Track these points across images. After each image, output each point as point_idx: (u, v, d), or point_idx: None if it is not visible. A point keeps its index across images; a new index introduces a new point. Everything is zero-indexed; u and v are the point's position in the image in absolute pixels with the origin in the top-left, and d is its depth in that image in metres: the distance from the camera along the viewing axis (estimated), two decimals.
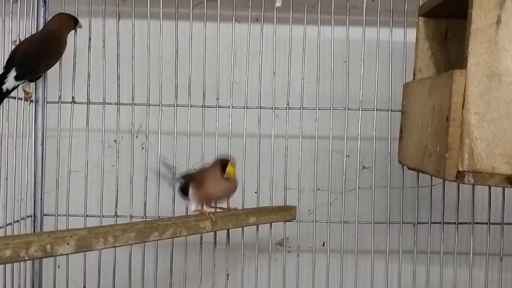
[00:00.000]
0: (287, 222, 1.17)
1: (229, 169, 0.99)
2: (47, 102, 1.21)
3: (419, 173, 1.14)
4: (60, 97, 1.19)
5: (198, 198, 1.03)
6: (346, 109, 1.18)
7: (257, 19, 1.20)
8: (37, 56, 1.06)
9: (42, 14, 1.20)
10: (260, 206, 1.16)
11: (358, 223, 1.18)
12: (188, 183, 1.04)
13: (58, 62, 1.16)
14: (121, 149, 1.26)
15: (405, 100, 1.07)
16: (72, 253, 0.87)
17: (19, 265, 1.12)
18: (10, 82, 1.04)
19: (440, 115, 0.84)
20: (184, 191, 1.05)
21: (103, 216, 1.19)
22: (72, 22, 1.14)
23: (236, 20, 1.19)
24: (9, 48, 1.09)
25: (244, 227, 1.13)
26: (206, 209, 1.04)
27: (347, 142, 1.18)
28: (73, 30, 1.16)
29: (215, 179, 1.00)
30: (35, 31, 1.18)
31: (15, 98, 1.11)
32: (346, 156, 1.19)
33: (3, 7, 1.08)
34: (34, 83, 1.20)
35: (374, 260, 1.19)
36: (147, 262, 1.20)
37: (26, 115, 1.16)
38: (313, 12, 1.18)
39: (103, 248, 0.91)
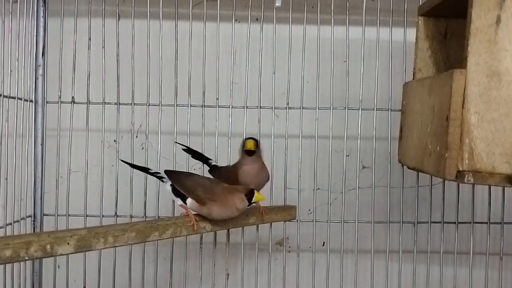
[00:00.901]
0: (287, 222, 1.17)
1: (257, 196, 1.00)
2: (47, 102, 1.21)
3: (419, 173, 1.14)
4: (60, 97, 1.19)
5: (200, 213, 1.01)
6: (346, 109, 1.18)
7: (257, 19, 1.20)
8: None
9: (41, 14, 1.20)
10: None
11: (358, 222, 1.18)
12: (181, 190, 1.01)
13: (59, 61, 1.17)
14: (121, 149, 1.26)
15: (405, 100, 1.07)
16: (72, 253, 0.87)
17: (19, 265, 1.12)
18: None
19: (440, 114, 0.84)
20: (175, 192, 1.03)
21: (103, 216, 1.19)
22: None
23: (235, 20, 1.19)
24: (9, 48, 1.09)
25: (244, 227, 1.13)
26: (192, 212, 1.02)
27: (347, 141, 1.18)
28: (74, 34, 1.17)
29: (234, 208, 0.99)
30: (35, 31, 1.19)
31: (14, 98, 1.11)
32: (346, 155, 1.19)
33: (2, 7, 1.08)
34: (34, 83, 1.20)
35: (374, 259, 1.19)
36: (147, 262, 1.20)
37: (26, 115, 1.16)
38: (313, 11, 1.18)
39: (103, 248, 0.91)
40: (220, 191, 0.99)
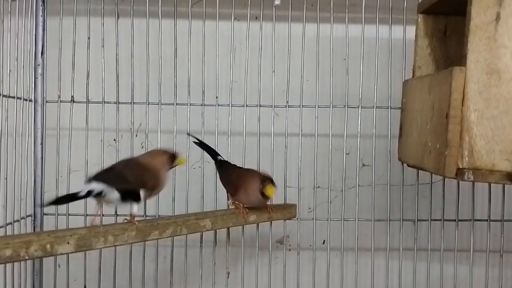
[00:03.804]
0: (287, 220, 1.17)
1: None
2: (46, 101, 1.21)
3: (419, 171, 1.14)
4: (59, 96, 1.19)
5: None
6: (346, 107, 1.18)
7: (256, 17, 1.20)
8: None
9: (40, 13, 1.20)
10: None
11: (358, 220, 1.18)
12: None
13: (58, 60, 1.17)
14: (121, 148, 1.26)
15: (405, 98, 1.07)
16: (72, 252, 0.87)
17: (19, 265, 1.12)
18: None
19: (440, 112, 0.84)
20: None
21: (103, 215, 1.19)
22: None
23: (235, 18, 1.19)
24: (8, 47, 1.09)
25: (244, 225, 1.13)
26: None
27: (347, 139, 1.18)
28: None
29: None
30: (34, 31, 1.18)
31: (14, 97, 1.11)
32: (346, 153, 1.18)
33: (1, 7, 1.08)
34: (33, 82, 1.20)
35: (374, 257, 1.19)
36: (148, 261, 1.20)
37: (26, 115, 1.16)
38: (312, 9, 1.17)
39: (103, 247, 0.91)
40: (147, 162, 0.94)
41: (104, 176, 0.89)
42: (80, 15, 1.20)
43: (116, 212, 1.19)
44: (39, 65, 1.20)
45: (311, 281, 1.20)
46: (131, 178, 0.89)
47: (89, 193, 0.84)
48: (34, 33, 1.19)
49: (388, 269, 1.20)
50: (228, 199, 1.12)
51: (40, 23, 1.20)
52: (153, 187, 0.93)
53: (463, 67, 0.80)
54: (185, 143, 1.17)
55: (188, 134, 1.15)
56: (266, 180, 1.01)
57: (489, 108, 0.80)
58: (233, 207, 1.09)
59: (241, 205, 1.07)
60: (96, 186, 0.85)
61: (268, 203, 1.11)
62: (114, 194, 0.87)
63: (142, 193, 0.90)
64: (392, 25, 1.17)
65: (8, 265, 1.06)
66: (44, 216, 1.22)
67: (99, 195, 0.85)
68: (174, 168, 1.00)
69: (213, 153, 1.13)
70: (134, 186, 0.90)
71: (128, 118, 1.20)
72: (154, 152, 0.99)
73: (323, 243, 1.29)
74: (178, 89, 1.18)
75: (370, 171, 1.20)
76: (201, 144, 1.14)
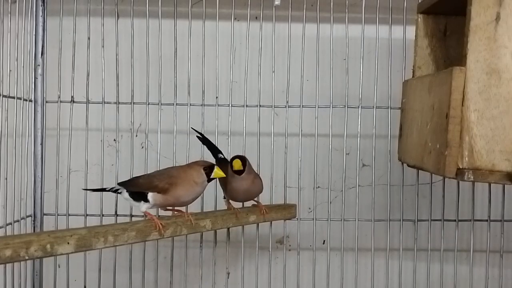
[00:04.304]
0: (287, 220, 1.17)
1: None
2: (46, 102, 1.21)
3: (419, 171, 1.14)
4: (59, 97, 1.19)
5: (169, 204, 1.00)
6: (346, 107, 1.18)
7: (256, 17, 1.20)
8: None
9: (40, 14, 1.20)
10: None
11: (358, 220, 1.18)
12: (138, 188, 0.98)
13: (58, 61, 1.17)
14: (121, 148, 1.26)
15: (405, 98, 1.07)
16: (72, 252, 0.87)
17: (19, 265, 1.12)
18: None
19: (440, 112, 0.84)
20: (134, 196, 0.99)
21: (103, 215, 1.19)
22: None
23: (235, 19, 1.19)
24: (8, 48, 1.09)
25: (244, 226, 1.13)
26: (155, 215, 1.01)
27: (347, 139, 1.18)
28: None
29: (192, 182, 0.98)
30: (34, 31, 1.18)
31: (14, 97, 1.11)
32: (346, 154, 1.18)
33: (1, 7, 1.08)
34: (33, 83, 1.20)
35: (374, 257, 1.19)
36: (148, 261, 1.20)
37: (26, 115, 1.16)
38: (312, 10, 1.17)
39: (103, 248, 0.91)
40: (177, 171, 0.98)
41: (129, 179, 1.03)
42: (80, 15, 1.20)
43: (116, 212, 1.19)
44: (39, 65, 1.20)
45: (311, 281, 1.19)
46: (142, 180, 0.99)
47: (111, 189, 1.03)
48: (34, 33, 1.19)
49: (388, 269, 1.20)
50: (224, 198, 1.11)
51: (40, 23, 1.20)
52: (165, 191, 0.96)
53: (463, 67, 0.80)
54: (185, 143, 1.17)
55: (193, 129, 1.15)
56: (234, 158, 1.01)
57: (489, 108, 0.80)
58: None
59: (232, 205, 1.07)
60: (116, 186, 1.02)
61: (261, 202, 1.11)
62: (125, 193, 1.00)
63: (151, 195, 0.97)
64: (392, 25, 1.17)
65: (8, 265, 1.06)
66: (44, 216, 1.22)
67: (116, 191, 1.02)
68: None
69: (214, 151, 1.13)
70: (141, 189, 0.98)
71: (128, 118, 1.20)
72: (192, 162, 1.01)
73: (323, 243, 1.29)
74: (178, 89, 1.18)
75: (370, 171, 1.20)
76: (203, 139, 1.14)
